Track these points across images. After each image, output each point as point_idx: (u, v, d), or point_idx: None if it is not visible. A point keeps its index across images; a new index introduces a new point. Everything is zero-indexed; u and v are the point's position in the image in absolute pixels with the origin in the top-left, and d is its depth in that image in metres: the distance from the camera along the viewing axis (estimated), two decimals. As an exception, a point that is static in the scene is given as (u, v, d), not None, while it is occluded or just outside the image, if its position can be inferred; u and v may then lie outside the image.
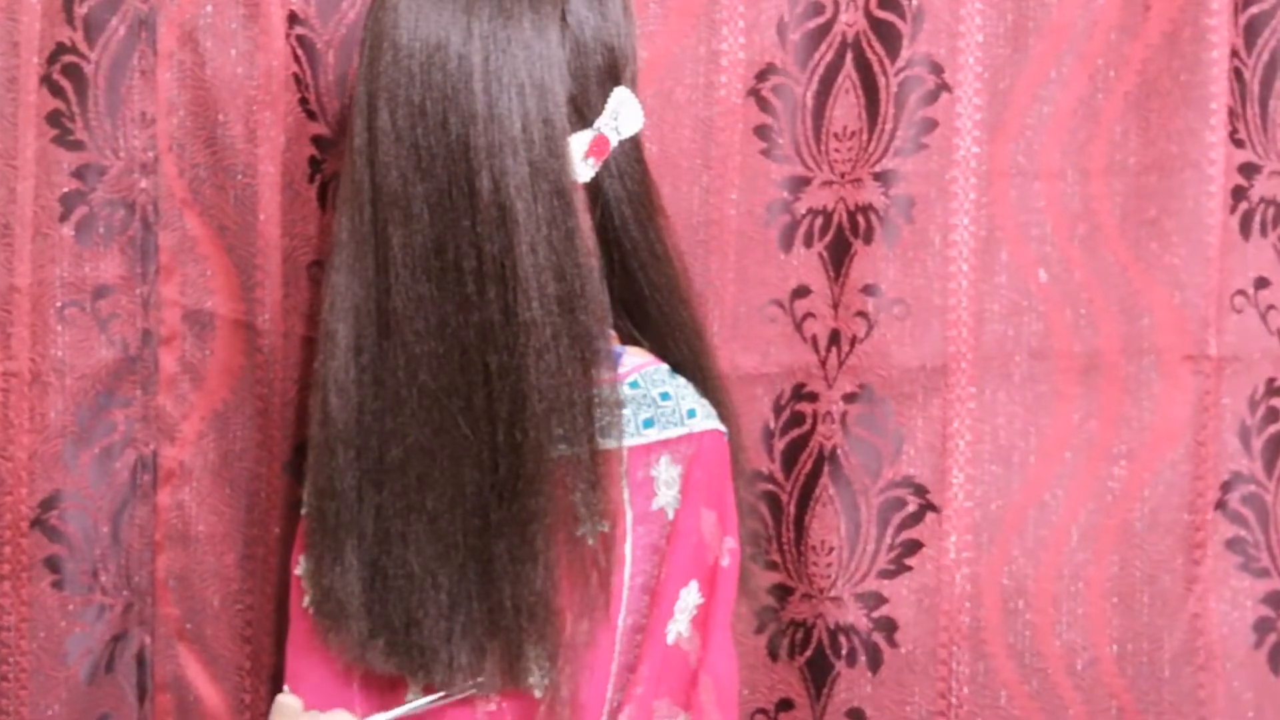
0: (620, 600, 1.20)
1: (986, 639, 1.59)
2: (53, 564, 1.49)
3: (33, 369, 1.46)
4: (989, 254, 1.58)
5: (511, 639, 1.18)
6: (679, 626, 1.21)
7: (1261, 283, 1.63)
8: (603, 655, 1.20)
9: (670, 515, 1.22)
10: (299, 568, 1.30)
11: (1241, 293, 1.63)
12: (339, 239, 1.22)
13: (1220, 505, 1.62)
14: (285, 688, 1.29)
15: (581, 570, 1.19)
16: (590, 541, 1.19)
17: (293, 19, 1.48)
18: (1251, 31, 1.60)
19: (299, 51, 1.49)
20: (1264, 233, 1.63)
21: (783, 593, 1.60)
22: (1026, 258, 1.59)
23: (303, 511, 1.28)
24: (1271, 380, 1.63)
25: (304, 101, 1.50)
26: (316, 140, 1.51)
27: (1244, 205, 1.62)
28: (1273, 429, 1.64)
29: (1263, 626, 1.64)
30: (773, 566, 1.60)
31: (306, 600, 1.27)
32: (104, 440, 1.51)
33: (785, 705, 1.61)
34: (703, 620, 1.22)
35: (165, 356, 1.52)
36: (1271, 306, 1.63)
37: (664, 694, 1.20)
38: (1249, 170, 1.62)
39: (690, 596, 1.22)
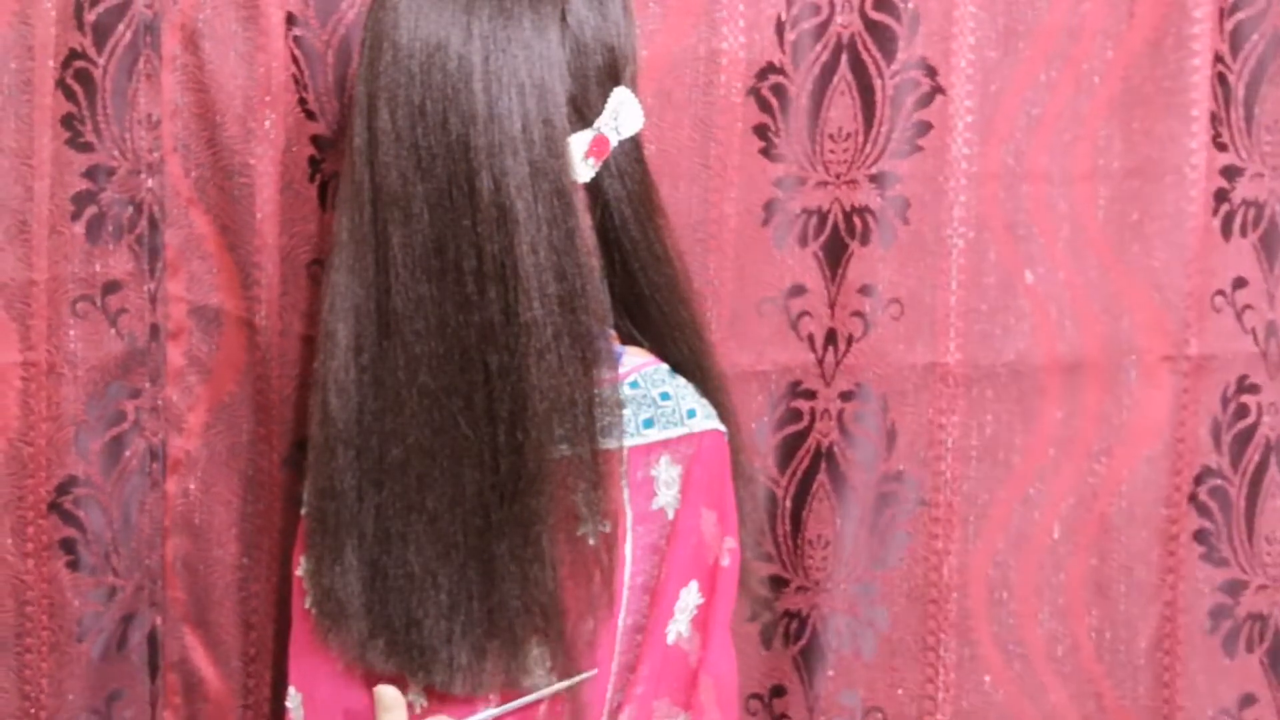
0: (620, 600, 1.08)
1: (973, 627, 1.50)
2: (67, 546, 1.40)
3: (49, 360, 1.37)
4: (978, 255, 1.47)
5: (512, 639, 1.06)
6: (679, 626, 1.08)
7: (1240, 282, 1.53)
8: (603, 655, 1.08)
9: (670, 515, 1.10)
10: (300, 568, 1.17)
11: (1221, 293, 1.53)
12: (339, 239, 1.11)
13: (1191, 498, 1.53)
14: (291, 688, 1.17)
15: (584, 570, 1.06)
16: (591, 542, 1.06)
17: (291, 20, 1.36)
18: (1238, 36, 1.49)
19: (297, 52, 1.37)
20: (1244, 233, 1.53)
21: (777, 584, 1.49)
22: (1013, 259, 1.49)
23: (303, 511, 1.16)
24: (1244, 378, 1.54)
25: (303, 102, 1.38)
26: (316, 140, 1.39)
27: (1225, 207, 1.52)
28: (1241, 425, 1.54)
29: (1219, 613, 1.55)
30: (767, 559, 1.49)
31: (308, 601, 1.15)
32: (114, 429, 1.41)
33: (778, 692, 1.51)
34: (703, 620, 1.10)
35: (172, 350, 1.41)
36: (1248, 306, 1.53)
37: (664, 694, 1.08)
38: (1231, 173, 1.51)
39: (690, 597, 1.09)
